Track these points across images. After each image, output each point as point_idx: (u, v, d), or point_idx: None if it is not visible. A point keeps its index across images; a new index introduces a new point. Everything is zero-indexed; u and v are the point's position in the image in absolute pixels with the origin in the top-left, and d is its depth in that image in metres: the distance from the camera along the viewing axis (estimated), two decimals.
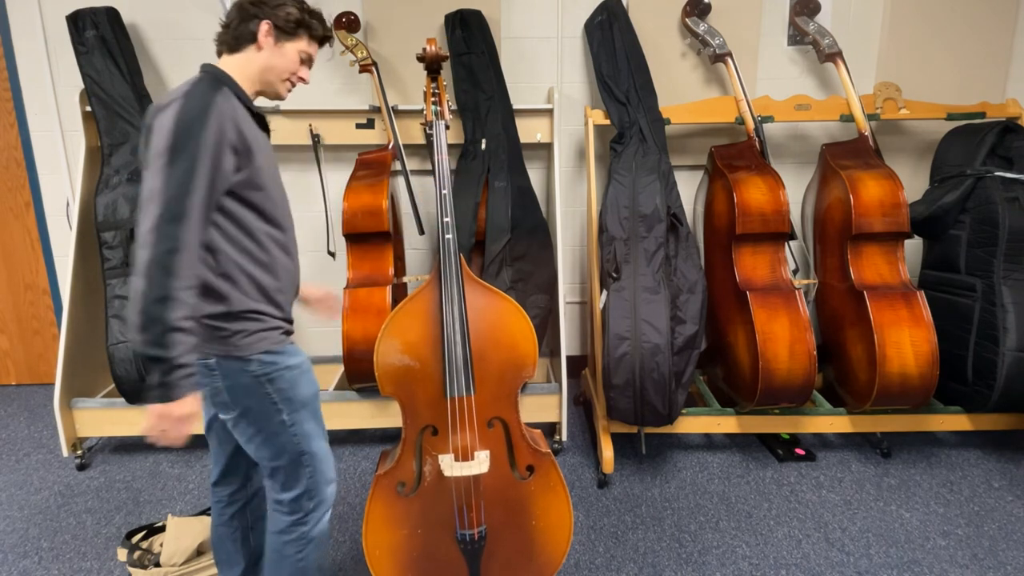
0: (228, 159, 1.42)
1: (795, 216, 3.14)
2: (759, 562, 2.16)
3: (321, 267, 3.26)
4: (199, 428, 1.54)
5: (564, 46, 3.10)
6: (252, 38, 1.54)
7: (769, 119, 2.90)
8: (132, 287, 1.34)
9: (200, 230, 1.38)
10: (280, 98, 1.63)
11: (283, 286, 1.58)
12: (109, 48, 2.78)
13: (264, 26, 1.53)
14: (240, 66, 1.56)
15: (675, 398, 2.51)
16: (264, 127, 1.61)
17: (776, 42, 3.10)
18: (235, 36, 1.54)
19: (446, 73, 2.96)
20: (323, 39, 1.63)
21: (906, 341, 2.48)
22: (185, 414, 1.37)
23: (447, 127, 1.83)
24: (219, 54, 1.59)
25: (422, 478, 1.77)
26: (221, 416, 1.57)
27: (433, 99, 1.85)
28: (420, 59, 1.86)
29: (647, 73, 2.87)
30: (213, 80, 1.48)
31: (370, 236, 2.65)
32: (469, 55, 2.89)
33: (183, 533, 2.06)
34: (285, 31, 1.55)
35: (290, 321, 1.64)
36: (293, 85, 1.62)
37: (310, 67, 1.64)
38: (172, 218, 1.33)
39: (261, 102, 2.93)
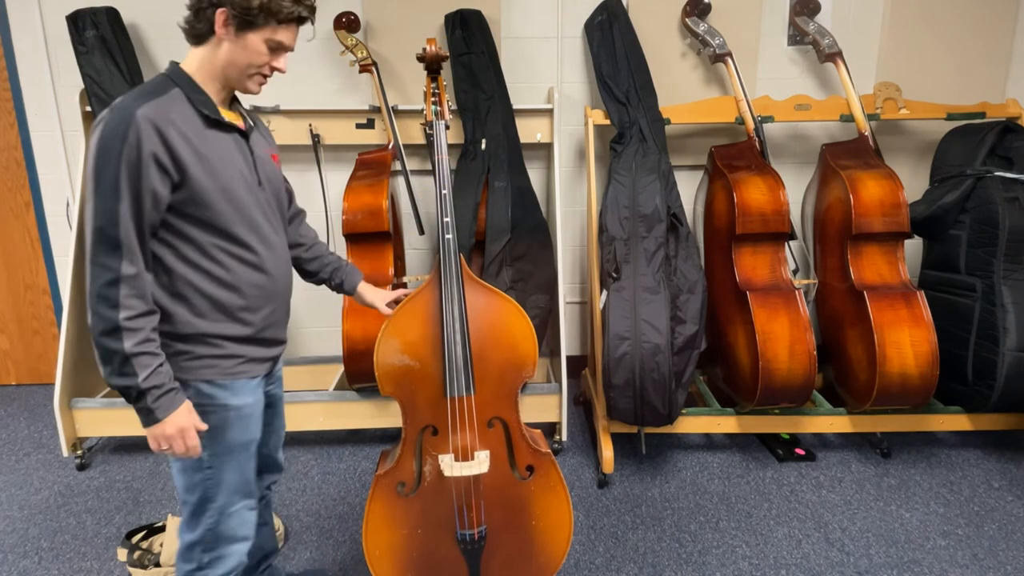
0: (154, 179, 1.30)
1: (795, 216, 3.14)
2: (759, 562, 2.16)
3: None
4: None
5: (564, 46, 3.10)
6: (210, 30, 1.37)
7: (769, 119, 2.90)
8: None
9: (140, 255, 1.31)
10: (252, 93, 1.47)
11: (252, 304, 1.47)
12: (109, 48, 2.78)
13: (220, 16, 1.35)
14: (203, 61, 1.41)
15: (675, 398, 2.51)
16: (230, 128, 1.44)
17: (776, 42, 3.10)
18: (194, 27, 1.39)
19: (446, 73, 2.96)
20: (298, 20, 1.42)
21: (906, 341, 2.48)
22: (179, 430, 1.35)
23: (447, 127, 1.83)
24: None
25: (422, 478, 1.77)
26: None
27: (433, 99, 1.84)
28: (420, 59, 1.86)
29: (647, 73, 2.87)
30: (160, 85, 1.37)
31: (370, 236, 2.65)
32: (469, 55, 2.89)
33: None
34: (246, 20, 1.35)
35: (267, 343, 1.53)
36: (265, 78, 1.46)
37: (285, 53, 1.44)
38: (106, 249, 1.28)
39: (262, 100, 2.93)
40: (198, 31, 1.39)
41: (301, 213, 1.81)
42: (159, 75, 1.42)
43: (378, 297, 1.82)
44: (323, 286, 1.85)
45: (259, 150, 1.52)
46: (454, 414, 1.72)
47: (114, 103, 1.33)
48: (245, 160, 1.47)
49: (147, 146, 1.29)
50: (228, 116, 1.46)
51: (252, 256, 1.45)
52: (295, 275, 1.72)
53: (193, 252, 1.39)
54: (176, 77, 1.40)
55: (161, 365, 1.34)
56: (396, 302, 1.81)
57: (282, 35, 1.40)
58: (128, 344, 1.29)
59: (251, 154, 1.49)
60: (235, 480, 1.52)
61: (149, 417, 1.34)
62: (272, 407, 1.71)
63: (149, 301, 1.33)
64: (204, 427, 1.42)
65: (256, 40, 1.38)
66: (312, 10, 1.45)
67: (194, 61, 1.42)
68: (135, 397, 1.32)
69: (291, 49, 1.44)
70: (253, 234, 1.45)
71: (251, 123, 1.54)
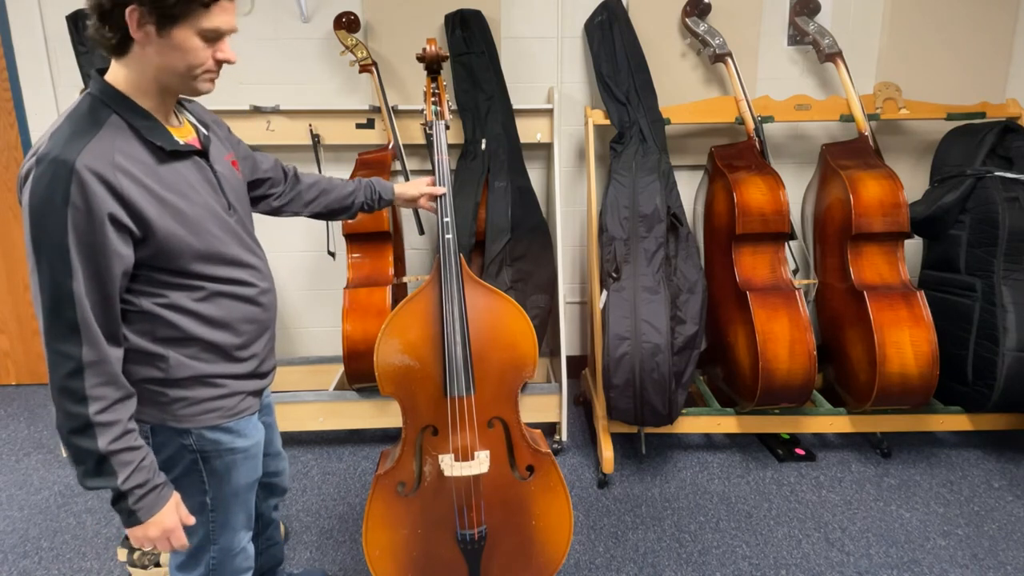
0: (114, 243, 1.10)
1: (795, 216, 3.14)
2: (759, 562, 2.16)
3: (321, 267, 3.26)
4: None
5: (564, 46, 3.10)
6: (126, 36, 1.12)
7: (769, 119, 2.90)
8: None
9: (103, 336, 1.11)
10: (204, 93, 1.23)
11: (247, 340, 1.35)
12: None
13: (131, 16, 1.09)
14: (132, 73, 1.16)
15: (675, 398, 2.51)
16: (181, 154, 1.23)
17: (776, 42, 3.10)
18: (105, 39, 1.13)
19: (446, 73, 2.96)
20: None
21: (906, 341, 2.48)
22: (164, 531, 1.20)
23: (447, 127, 1.83)
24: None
25: (422, 478, 1.77)
26: None
27: (433, 99, 1.84)
28: (420, 59, 1.86)
29: (647, 73, 2.87)
30: (91, 113, 1.13)
31: (370, 236, 2.65)
32: (469, 55, 2.89)
33: None
34: (165, 14, 1.09)
35: (263, 376, 1.43)
36: (215, 74, 1.21)
37: (226, 37, 1.19)
38: (61, 334, 1.08)
39: (262, 100, 2.93)
40: (111, 40, 1.13)
41: (293, 169, 1.69)
42: (85, 96, 1.16)
43: (416, 188, 1.76)
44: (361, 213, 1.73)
45: (220, 166, 1.33)
46: (454, 414, 1.72)
47: (40, 150, 1.07)
48: (211, 186, 1.28)
49: (99, 206, 1.07)
50: (180, 135, 1.25)
51: (240, 289, 1.32)
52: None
53: (174, 295, 1.23)
54: (108, 99, 1.15)
55: (143, 460, 1.17)
56: (434, 198, 1.76)
57: (215, 19, 1.14)
58: (103, 442, 1.11)
59: (214, 175, 1.30)
60: (241, 519, 1.45)
61: (130, 519, 1.18)
62: (269, 428, 1.63)
63: (122, 383, 1.15)
64: (192, 521, 1.27)
65: (186, 35, 1.12)
66: None
67: (122, 74, 1.17)
68: (114, 499, 1.16)
69: (232, 31, 1.19)
70: (237, 267, 1.31)
71: (203, 129, 1.33)
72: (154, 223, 1.15)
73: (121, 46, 1.14)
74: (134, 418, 1.18)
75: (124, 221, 1.11)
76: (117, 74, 1.18)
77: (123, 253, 1.12)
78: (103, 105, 1.15)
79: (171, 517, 1.22)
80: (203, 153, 1.30)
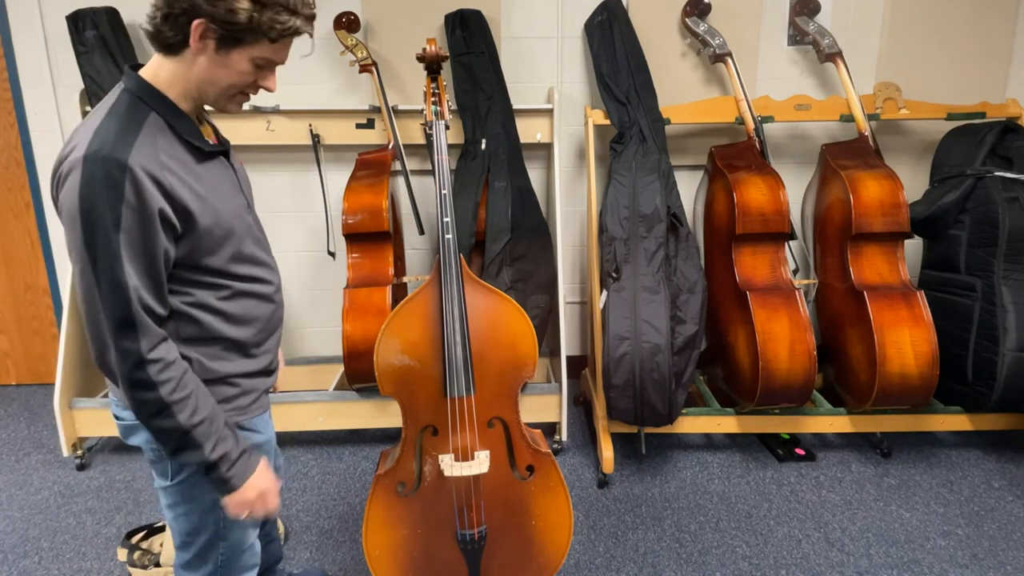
0: (163, 240, 1.13)
1: (795, 216, 3.14)
2: (759, 562, 2.16)
3: (321, 267, 3.26)
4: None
5: (564, 46, 3.10)
6: (184, 41, 1.13)
7: (769, 119, 2.90)
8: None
9: (157, 327, 1.15)
10: (229, 113, 1.28)
11: (262, 337, 1.38)
12: (109, 48, 2.78)
13: (197, 28, 1.11)
14: (172, 74, 1.18)
15: (675, 398, 2.51)
16: (211, 155, 1.26)
17: (776, 42, 3.10)
18: (163, 33, 1.14)
19: (446, 73, 2.96)
20: (295, 34, 1.18)
21: (906, 341, 2.48)
22: (260, 493, 1.26)
23: (447, 127, 1.83)
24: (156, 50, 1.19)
25: (422, 478, 1.77)
26: (154, 477, 1.37)
27: (433, 99, 1.84)
28: (420, 59, 1.86)
29: (647, 73, 2.87)
30: (132, 111, 1.14)
31: (370, 236, 2.65)
32: (469, 55, 2.89)
33: None
34: (230, 36, 1.12)
35: (272, 373, 1.45)
36: (248, 97, 1.25)
37: (274, 69, 1.23)
38: (120, 332, 1.11)
39: (262, 100, 2.93)
40: (168, 40, 1.14)
41: None
42: (123, 93, 1.17)
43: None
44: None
45: (237, 165, 1.38)
46: (454, 414, 1.72)
47: (84, 150, 1.07)
48: (233, 185, 1.31)
49: (151, 203, 1.09)
50: (206, 135, 1.27)
51: (259, 287, 1.35)
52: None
53: (201, 294, 1.25)
54: (148, 97, 1.17)
55: (223, 429, 1.23)
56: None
57: (274, 52, 1.17)
58: (183, 418, 1.16)
59: (235, 174, 1.34)
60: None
61: (225, 486, 1.24)
62: None
63: (179, 359, 1.19)
64: (281, 483, 1.32)
65: (241, 58, 1.15)
66: (312, 20, 1.21)
67: (164, 74, 1.18)
68: (207, 469, 1.21)
69: (281, 64, 1.23)
70: (256, 266, 1.34)
71: (219, 133, 1.37)
72: (196, 220, 1.18)
73: (174, 47, 1.15)
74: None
75: (171, 218, 1.13)
76: (158, 72, 1.19)
77: (169, 249, 1.15)
78: (141, 103, 1.16)
79: (265, 479, 1.27)
80: (226, 154, 1.33)
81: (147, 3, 1.15)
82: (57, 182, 1.12)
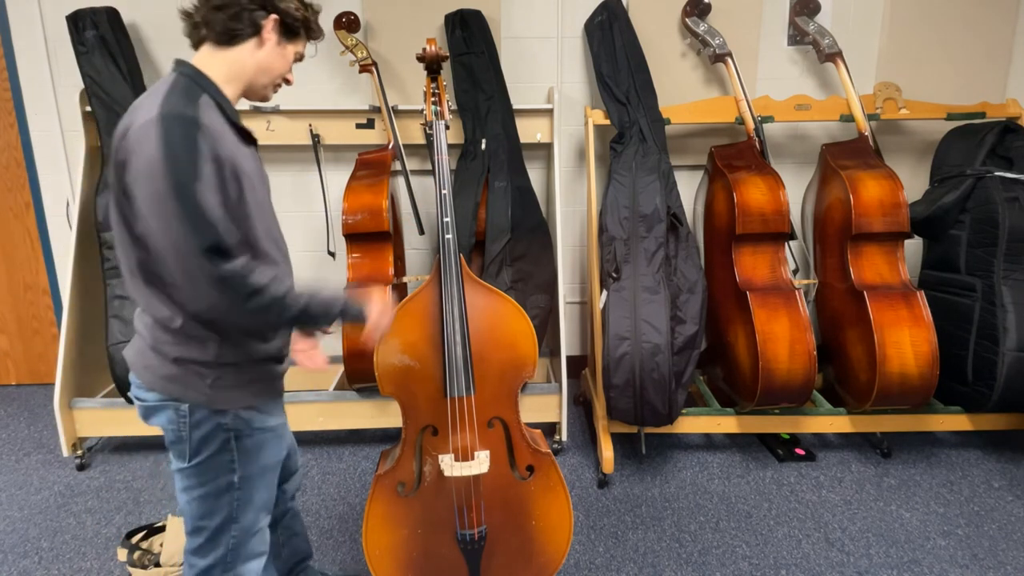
0: (228, 187, 1.25)
1: (795, 216, 3.14)
2: (759, 562, 2.16)
3: (321, 267, 3.26)
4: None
5: (564, 46, 3.10)
6: (254, 32, 1.33)
7: (769, 119, 2.90)
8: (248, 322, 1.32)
9: (236, 246, 1.25)
10: (263, 101, 1.46)
11: (267, 343, 1.45)
12: (109, 48, 2.78)
13: (271, 21, 1.33)
14: (228, 64, 1.34)
15: (675, 398, 2.51)
16: (249, 140, 1.41)
17: (776, 42, 3.10)
18: (229, 27, 1.31)
19: (446, 73, 2.96)
20: (320, 35, 1.48)
21: (906, 341, 2.48)
22: (383, 309, 1.43)
23: (447, 127, 1.83)
24: (197, 45, 1.35)
25: (422, 478, 1.77)
26: (172, 460, 1.43)
27: (433, 99, 1.84)
28: (420, 59, 1.86)
29: (647, 73, 2.87)
30: (191, 87, 1.28)
31: (370, 236, 2.65)
32: (469, 55, 2.89)
33: (183, 533, 2.06)
34: (292, 30, 1.37)
35: (283, 359, 1.51)
36: (278, 89, 1.45)
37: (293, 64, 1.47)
38: (218, 259, 1.21)
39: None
40: (234, 31, 1.32)
41: None
42: (179, 77, 1.30)
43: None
44: None
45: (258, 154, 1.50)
46: (454, 414, 1.72)
47: (158, 110, 1.21)
48: (261, 170, 1.43)
49: (221, 155, 1.23)
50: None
51: (280, 271, 1.42)
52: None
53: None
54: (201, 81, 1.31)
55: (317, 295, 1.35)
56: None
57: (305, 49, 1.46)
58: (303, 298, 1.32)
59: (260, 162, 1.45)
60: (263, 497, 1.50)
61: (361, 318, 1.41)
62: None
63: (262, 272, 1.29)
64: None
65: (292, 51, 1.41)
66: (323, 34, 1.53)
67: (219, 64, 1.33)
68: (341, 319, 1.39)
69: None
70: (277, 249, 1.43)
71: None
72: (246, 186, 1.30)
73: (234, 38, 1.33)
74: (197, 372, 1.34)
75: (236, 172, 1.27)
76: (209, 63, 1.34)
77: (234, 198, 1.27)
78: (196, 85, 1.30)
79: (375, 299, 1.44)
80: (255, 147, 1.45)
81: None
82: (126, 145, 1.22)
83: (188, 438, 1.37)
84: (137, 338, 1.40)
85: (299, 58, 1.44)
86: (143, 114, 1.21)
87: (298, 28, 1.38)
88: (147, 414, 1.41)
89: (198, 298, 1.25)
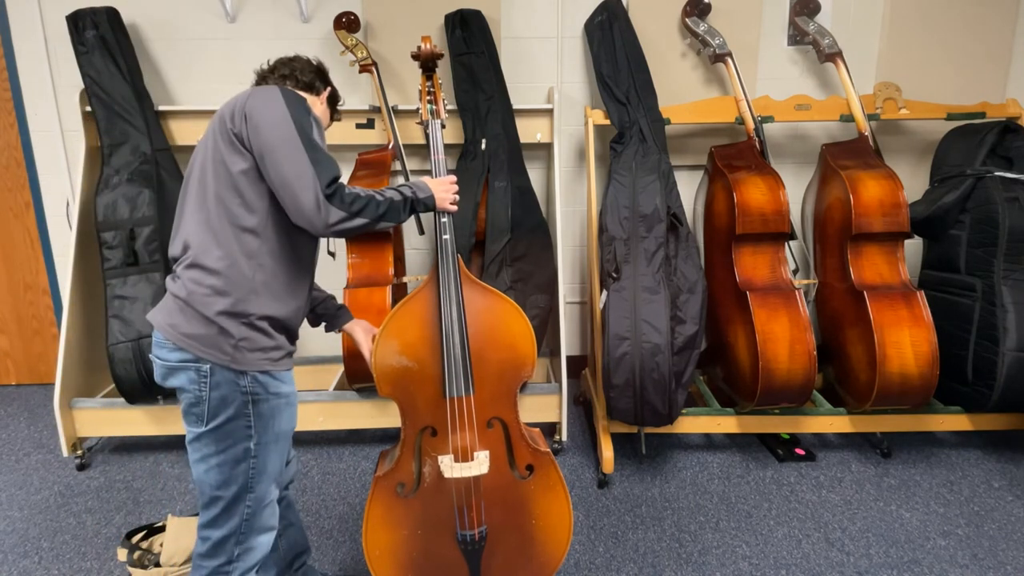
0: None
1: (795, 216, 3.14)
2: (759, 562, 2.16)
3: (321, 267, 3.25)
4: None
5: (564, 46, 3.10)
6: (316, 91, 1.76)
7: (769, 119, 2.90)
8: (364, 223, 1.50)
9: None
10: None
11: (294, 313, 1.58)
12: (109, 48, 2.78)
13: (323, 93, 1.78)
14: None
15: (675, 398, 2.50)
16: None
17: (776, 42, 3.10)
18: (307, 80, 1.74)
19: (446, 73, 2.96)
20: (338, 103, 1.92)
21: (906, 341, 2.48)
22: (448, 187, 1.71)
23: (443, 126, 1.83)
24: (264, 79, 1.73)
25: (422, 479, 1.76)
26: (186, 427, 1.51)
27: (428, 98, 1.84)
28: (415, 57, 1.86)
29: (647, 73, 2.87)
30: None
31: (370, 236, 2.65)
32: (469, 55, 2.89)
33: (183, 533, 2.06)
34: (331, 100, 1.83)
35: (295, 337, 1.62)
36: None
37: None
38: (335, 184, 1.43)
39: None
40: (310, 83, 1.75)
41: None
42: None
43: (363, 336, 1.87)
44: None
45: None
46: (453, 415, 1.72)
47: (276, 86, 1.54)
48: None
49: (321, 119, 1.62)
50: None
51: (304, 266, 1.61)
52: None
53: (294, 232, 1.52)
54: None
55: (385, 192, 1.56)
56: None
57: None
58: (389, 193, 1.55)
59: None
60: (276, 467, 1.56)
61: (431, 202, 1.67)
62: None
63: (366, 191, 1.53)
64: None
65: (327, 111, 1.82)
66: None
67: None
68: (417, 209, 1.64)
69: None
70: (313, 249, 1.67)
71: None
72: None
73: (306, 87, 1.75)
74: (222, 334, 1.45)
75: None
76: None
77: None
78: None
79: (436, 181, 1.69)
80: None
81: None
82: (245, 101, 1.45)
83: (207, 399, 1.45)
84: (168, 298, 1.50)
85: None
86: (258, 90, 1.49)
87: (335, 102, 1.87)
88: (167, 374, 1.49)
89: (302, 205, 1.44)
